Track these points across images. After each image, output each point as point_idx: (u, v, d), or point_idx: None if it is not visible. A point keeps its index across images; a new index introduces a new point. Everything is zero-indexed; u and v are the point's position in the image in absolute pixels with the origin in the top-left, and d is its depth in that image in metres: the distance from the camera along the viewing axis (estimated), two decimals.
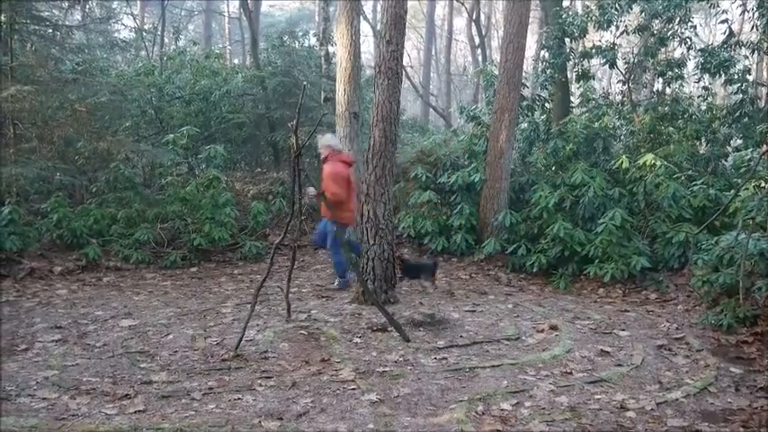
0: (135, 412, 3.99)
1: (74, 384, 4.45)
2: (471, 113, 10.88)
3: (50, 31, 10.10)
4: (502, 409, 4.10)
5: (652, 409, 4.13)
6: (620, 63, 10.53)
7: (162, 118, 11.62)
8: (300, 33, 14.68)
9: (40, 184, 9.57)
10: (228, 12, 25.61)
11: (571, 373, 4.76)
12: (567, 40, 10.56)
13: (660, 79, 10.75)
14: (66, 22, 11.77)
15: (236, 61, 22.32)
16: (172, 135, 9.77)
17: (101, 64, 11.64)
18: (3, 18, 9.55)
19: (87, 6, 15.36)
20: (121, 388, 4.39)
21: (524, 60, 9.64)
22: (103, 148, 9.36)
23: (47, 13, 10.46)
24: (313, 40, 14.32)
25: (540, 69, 11.15)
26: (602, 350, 5.32)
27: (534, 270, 8.18)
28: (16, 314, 6.37)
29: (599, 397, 4.34)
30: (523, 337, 5.70)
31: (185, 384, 4.47)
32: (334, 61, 11.44)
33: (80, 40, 11.96)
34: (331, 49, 12.55)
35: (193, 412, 4.00)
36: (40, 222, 8.87)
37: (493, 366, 4.90)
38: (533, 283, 8.12)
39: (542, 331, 5.88)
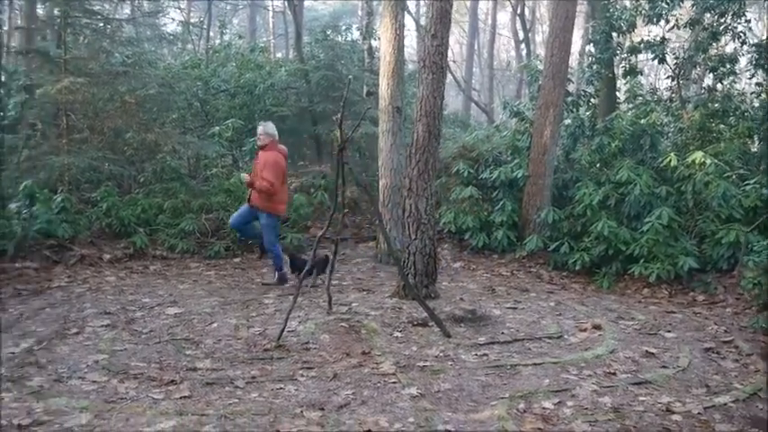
0: (181, 398, 4.08)
1: (122, 369, 4.57)
2: (515, 109, 10.78)
3: (102, 24, 10.35)
4: (543, 408, 4.05)
5: (699, 414, 4.04)
6: (669, 58, 10.29)
7: (207, 110, 11.81)
8: (344, 27, 14.74)
9: (91, 174, 9.84)
10: (273, 6, 25.84)
11: (615, 374, 4.69)
12: (614, 34, 10.36)
13: (711, 75, 10.46)
14: (116, 16, 12.07)
15: (279, 55, 22.52)
16: (217, 128, 9.93)
17: (149, 57, 11.88)
18: (57, 12, 9.84)
19: (136, 0, 15.73)
20: (168, 374, 4.49)
21: (570, 55, 9.48)
22: (151, 139, 9.58)
23: (98, 7, 10.74)
24: (356, 34, 14.36)
25: (585, 64, 10.97)
26: (647, 351, 5.22)
27: (577, 268, 8.08)
28: (68, 299, 6.58)
29: (644, 399, 4.26)
30: (566, 336, 5.63)
31: (229, 372, 4.55)
32: (377, 55, 11.47)
33: (129, 34, 12.24)
34: (374, 43, 12.58)
35: (237, 400, 4.07)
36: (90, 211, 9.13)
37: (534, 364, 4.85)
38: (576, 282, 8.01)
39: (585, 330, 5.79)
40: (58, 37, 9.94)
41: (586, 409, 4.07)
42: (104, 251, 8.53)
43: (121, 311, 6.13)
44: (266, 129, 7.32)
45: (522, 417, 3.93)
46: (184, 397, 4.09)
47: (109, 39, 10.42)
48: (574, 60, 16.44)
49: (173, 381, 4.35)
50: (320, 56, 13.05)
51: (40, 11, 12.38)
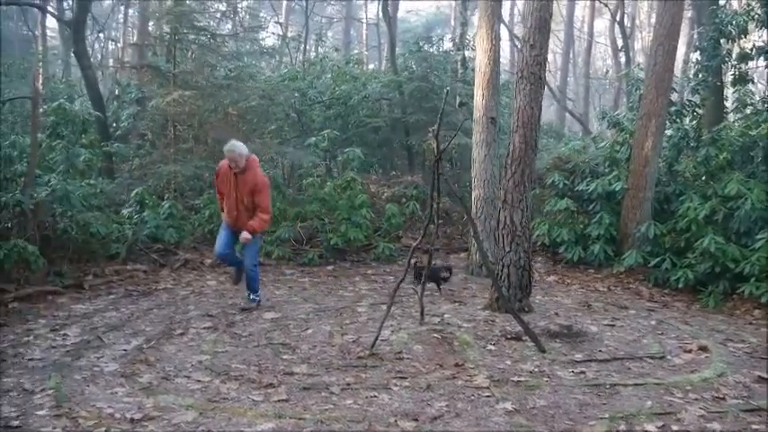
0: (278, 401, 4.18)
1: (224, 370, 4.76)
2: (613, 119, 10.43)
3: (208, 39, 10.92)
4: (646, 431, 3.88)
5: None
6: None
7: (304, 121, 12.16)
8: (436, 39, 14.81)
9: (195, 182, 10.36)
10: (367, 18, 26.32)
11: (724, 399, 4.42)
12: (722, 41, 9.84)
13: None
14: (219, 32, 12.67)
15: (371, 66, 22.90)
16: (314, 138, 10.20)
17: (250, 70, 12.39)
18: (167, 29, 10.46)
19: (238, 16, 16.45)
20: (266, 377, 4.62)
21: (674, 64, 9.09)
22: (252, 149, 9.95)
23: (203, 23, 11.32)
24: (448, 45, 14.39)
25: (691, 73, 10.47)
26: (759, 376, 4.89)
27: (680, 286, 7.70)
28: (173, 301, 6.94)
29: (756, 427, 3.99)
30: (669, 357, 5.36)
31: (324, 378, 4.63)
32: (471, 66, 11.44)
33: (231, 48, 12.83)
34: (467, 53, 12.56)
35: (332, 406, 4.14)
36: (194, 217, 9.59)
37: (636, 385, 4.65)
38: (678, 300, 7.63)
39: (690, 351, 5.51)
40: (167, 52, 10.57)
41: None
42: (206, 256, 8.93)
43: (222, 315, 6.39)
44: (239, 149, 6.30)
45: None
46: (282, 400, 4.20)
47: (213, 53, 10.97)
48: (677, 68, 15.75)
49: (271, 384, 4.48)
50: (413, 67, 13.17)
51: (150, 28, 13.22)
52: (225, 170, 6.49)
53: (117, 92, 12.37)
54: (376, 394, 4.34)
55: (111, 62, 21.33)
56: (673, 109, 9.73)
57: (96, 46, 22.65)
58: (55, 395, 4.14)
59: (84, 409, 3.92)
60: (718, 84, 10.03)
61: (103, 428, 3.66)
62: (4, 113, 8.31)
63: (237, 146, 6.34)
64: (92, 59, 12.80)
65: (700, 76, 9.89)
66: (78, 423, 3.72)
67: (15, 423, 3.71)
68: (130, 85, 11.90)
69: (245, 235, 6.36)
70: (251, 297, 6.75)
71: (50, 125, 8.48)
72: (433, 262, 6.80)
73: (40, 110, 8.29)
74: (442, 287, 7.45)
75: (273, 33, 22.24)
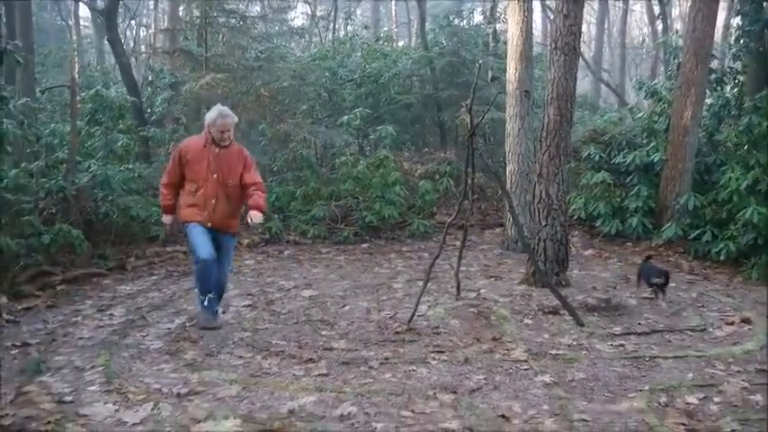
0: (319, 375, 4.26)
1: (265, 346, 4.85)
2: (651, 89, 10.19)
3: (238, 22, 10.94)
4: (687, 403, 3.84)
5: None
6: None
7: (335, 101, 12.17)
8: (466, 13, 14.61)
9: None
10: None
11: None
12: (765, 4, 9.48)
13: None
14: (248, 14, 12.70)
15: (401, 43, 22.72)
16: (346, 117, 10.21)
17: (281, 51, 12.41)
18: (197, 12, 10.53)
19: None
20: (306, 352, 4.70)
21: (714, 30, 8.82)
22: (284, 130, 10.04)
23: (233, 6, 11.35)
24: (479, 18, 14.19)
25: (732, 38, 10.14)
26: None
27: (721, 258, 7.55)
28: None
29: None
30: (710, 329, 5.30)
31: (363, 353, 4.69)
32: (502, 39, 11.27)
33: (260, 30, 12.86)
34: (498, 26, 12.38)
35: (371, 379, 4.19)
36: None
37: (676, 357, 4.60)
38: (720, 272, 7.50)
39: (732, 324, 5.43)
40: (199, 36, 10.65)
41: (736, 406, 3.81)
42: (243, 236, 9.05)
43: (261, 293, 6.50)
44: (233, 115, 5.18)
45: (663, 411, 3.74)
46: (322, 374, 4.27)
47: (244, 35, 11.00)
48: (717, 34, 15.26)
49: (311, 359, 4.55)
50: (444, 42, 13.03)
51: (181, 12, 13.31)
52: (196, 148, 5.12)
53: (150, 77, 12.50)
54: (414, 368, 4.38)
55: (143, 48, 21.62)
56: (713, 77, 9.46)
57: (128, 33, 22.95)
58: (105, 372, 4.27)
59: (133, 385, 4.04)
60: (761, 49, 9.66)
61: (152, 402, 3.77)
62: (42, 102, 8.48)
63: (230, 111, 5.18)
64: (125, 46, 12.93)
65: (741, 41, 9.54)
66: (128, 398, 3.84)
67: (69, 398, 3.84)
68: (163, 71, 12.03)
69: (256, 214, 5.01)
70: (216, 309, 5.36)
71: (88, 112, 8.65)
72: (649, 263, 6.42)
73: (78, 98, 8.45)
74: (658, 295, 6.15)
75: (302, 13, 22.24)
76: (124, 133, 9.14)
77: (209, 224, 5.11)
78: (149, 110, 11.66)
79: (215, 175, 5.07)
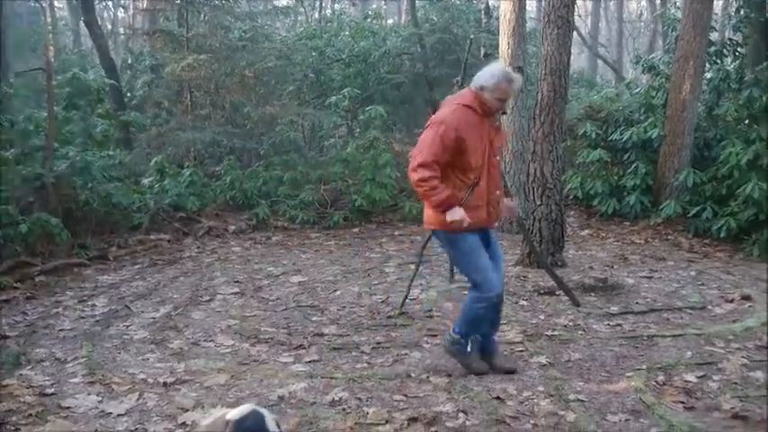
0: (310, 361, 4.12)
1: (253, 333, 4.68)
2: (648, 63, 9.97)
3: (220, 0, 10.63)
4: (685, 381, 3.72)
5: None
6: None
7: (323, 81, 11.91)
8: None
9: (214, 149, 10.23)
10: None
11: None
12: None
13: None
14: None
15: (390, 21, 22.38)
16: (334, 98, 9.97)
17: (265, 31, 12.11)
18: None
19: None
20: (296, 339, 4.55)
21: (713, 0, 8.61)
22: (270, 112, 9.79)
23: None
24: None
25: (732, 9, 9.91)
26: None
27: (721, 235, 7.41)
28: (198, 268, 6.88)
29: None
30: (710, 307, 5.18)
31: (354, 338, 4.55)
32: (495, 15, 11.03)
33: (244, 9, 12.53)
34: (491, 1, 12.12)
35: (364, 365, 4.06)
36: (215, 184, 9.50)
37: (674, 336, 4.48)
38: (720, 250, 7.36)
39: (732, 301, 5.31)
40: (179, 16, 10.35)
41: (735, 384, 3.69)
42: (229, 223, 8.86)
43: (249, 280, 6.31)
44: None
45: (661, 389, 3.63)
46: (313, 361, 4.13)
47: (227, 15, 10.68)
48: (717, 5, 15.01)
49: (301, 345, 4.41)
50: (434, 18, 12.75)
51: None
52: (474, 121, 3.65)
53: (130, 60, 12.21)
54: (407, 352, 4.25)
55: (122, 30, 21.14)
56: (712, 49, 9.26)
57: (106, 14, 22.45)
58: (87, 363, 4.11)
59: (117, 375, 3.89)
60: (762, 20, 9.45)
61: (137, 393, 3.63)
62: (16, 87, 8.20)
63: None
64: (102, 28, 12.60)
65: (741, 12, 9.33)
66: (112, 388, 3.70)
67: (50, 391, 3.69)
68: (143, 53, 11.74)
69: (514, 205, 4.11)
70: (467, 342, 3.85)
71: (65, 97, 8.38)
72: None
73: (54, 82, 8.15)
74: None
75: None
76: (103, 118, 8.85)
77: (488, 221, 3.79)
78: (129, 94, 11.37)
79: (488, 162, 3.70)
